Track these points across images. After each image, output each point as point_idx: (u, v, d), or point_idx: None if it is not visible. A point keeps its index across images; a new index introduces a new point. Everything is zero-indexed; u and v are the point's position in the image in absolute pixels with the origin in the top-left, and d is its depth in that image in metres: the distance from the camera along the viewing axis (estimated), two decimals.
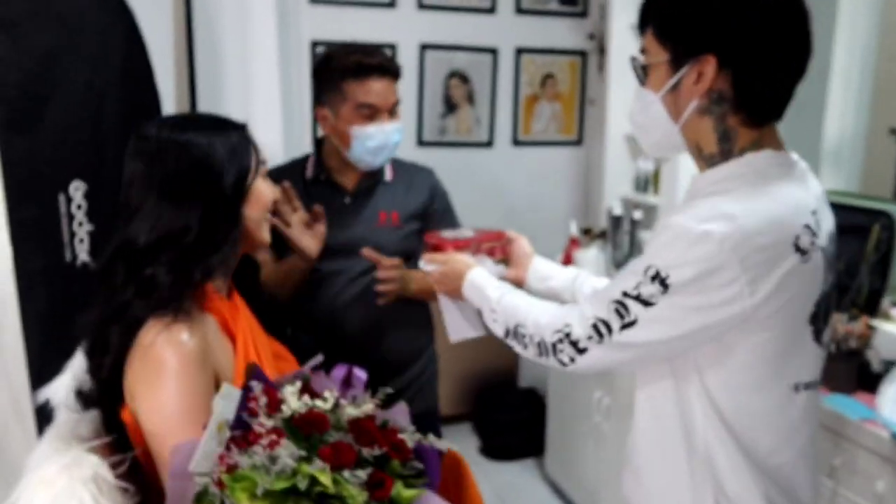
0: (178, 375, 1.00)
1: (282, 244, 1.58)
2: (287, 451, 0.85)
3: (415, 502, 0.89)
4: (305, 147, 2.44)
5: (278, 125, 2.59)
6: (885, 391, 1.64)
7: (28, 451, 1.06)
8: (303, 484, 0.83)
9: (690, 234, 0.94)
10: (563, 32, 3.38)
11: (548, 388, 2.98)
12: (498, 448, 3.21)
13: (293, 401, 0.92)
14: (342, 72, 1.56)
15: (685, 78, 1.00)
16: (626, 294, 0.99)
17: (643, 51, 1.07)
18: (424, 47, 3.18)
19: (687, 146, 1.07)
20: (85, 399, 1.10)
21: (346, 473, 0.85)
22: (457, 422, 3.40)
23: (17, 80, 1.46)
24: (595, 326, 1.02)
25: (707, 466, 1.03)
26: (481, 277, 1.29)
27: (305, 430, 0.89)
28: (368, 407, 0.97)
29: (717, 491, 1.03)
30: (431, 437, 0.98)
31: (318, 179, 1.68)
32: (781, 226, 0.95)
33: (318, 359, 1.10)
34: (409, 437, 0.95)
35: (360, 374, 1.10)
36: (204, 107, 2.46)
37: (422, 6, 3.15)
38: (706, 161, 1.04)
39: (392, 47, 3.12)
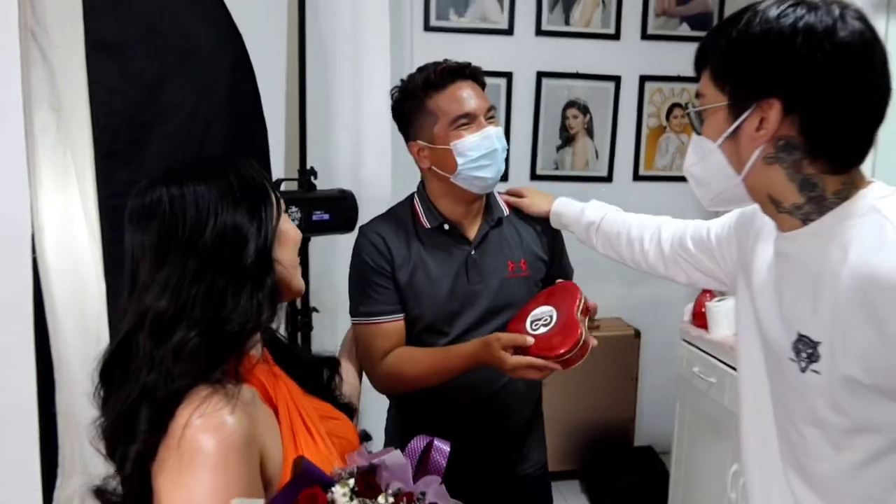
0: (215, 467, 0.79)
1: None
2: None
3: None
4: (416, 183, 2.30)
5: (388, 160, 2.47)
6: None
7: None
8: None
9: None
10: (692, 59, 3.10)
11: (672, 450, 2.68)
12: None
13: None
14: (423, 87, 1.41)
15: (745, 124, 0.93)
16: None
17: (699, 95, 1.00)
18: (541, 75, 3.06)
19: (754, 198, 0.99)
20: (105, 501, 0.91)
21: None
22: (563, 479, 3.17)
23: (121, 107, 1.36)
24: None
25: None
26: None
27: None
28: None
29: None
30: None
31: (440, 229, 1.48)
32: None
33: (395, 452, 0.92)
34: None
35: (443, 445, 0.98)
36: (313, 138, 2.38)
37: (540, 32, 3.02)
38: (791, 212, 0.95)
39: (507, 76, 2.97)
